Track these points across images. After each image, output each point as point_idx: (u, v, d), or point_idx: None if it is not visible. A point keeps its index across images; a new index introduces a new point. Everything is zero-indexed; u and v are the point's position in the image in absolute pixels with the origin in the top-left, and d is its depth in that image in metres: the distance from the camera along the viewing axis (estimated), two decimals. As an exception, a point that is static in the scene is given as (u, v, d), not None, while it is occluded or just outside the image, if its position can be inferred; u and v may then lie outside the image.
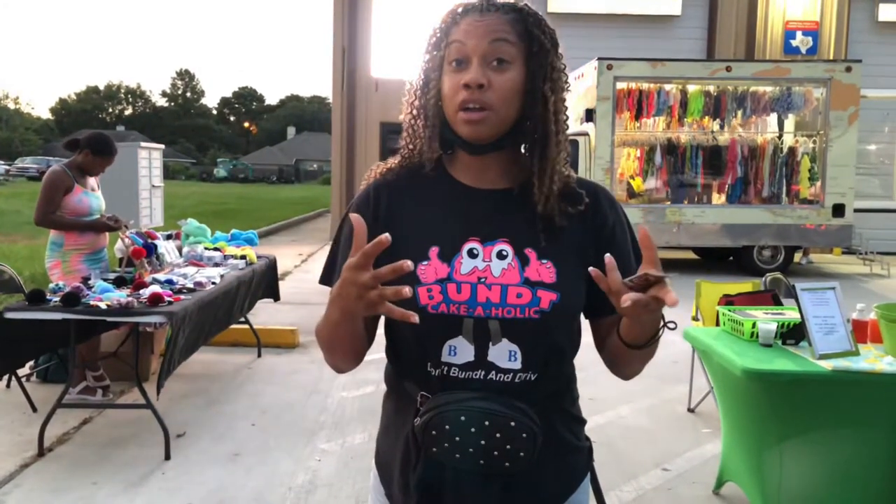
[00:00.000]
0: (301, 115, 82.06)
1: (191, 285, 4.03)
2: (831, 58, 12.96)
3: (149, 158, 11.11)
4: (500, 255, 1.14)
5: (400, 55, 13.40)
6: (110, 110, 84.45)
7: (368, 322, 1.18)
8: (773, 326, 2.85)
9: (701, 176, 10.31)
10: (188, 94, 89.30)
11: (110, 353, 4.52)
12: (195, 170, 59.17)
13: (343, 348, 1.16)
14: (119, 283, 3.99)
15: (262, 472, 3.46)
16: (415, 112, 1.20)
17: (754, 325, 2.89)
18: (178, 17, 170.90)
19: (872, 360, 2.60)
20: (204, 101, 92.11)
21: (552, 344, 1.14)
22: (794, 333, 2.85)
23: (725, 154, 10.23)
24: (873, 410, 2.61)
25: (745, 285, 4.33)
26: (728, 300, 3.68)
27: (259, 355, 5.52)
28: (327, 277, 1.24)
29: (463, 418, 1.07)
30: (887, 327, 2.65)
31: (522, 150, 1.19)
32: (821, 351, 2.60)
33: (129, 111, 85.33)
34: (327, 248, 9.35)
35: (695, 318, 4.37)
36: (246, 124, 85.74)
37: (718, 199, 10.37)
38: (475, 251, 1.14)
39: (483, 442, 1.07)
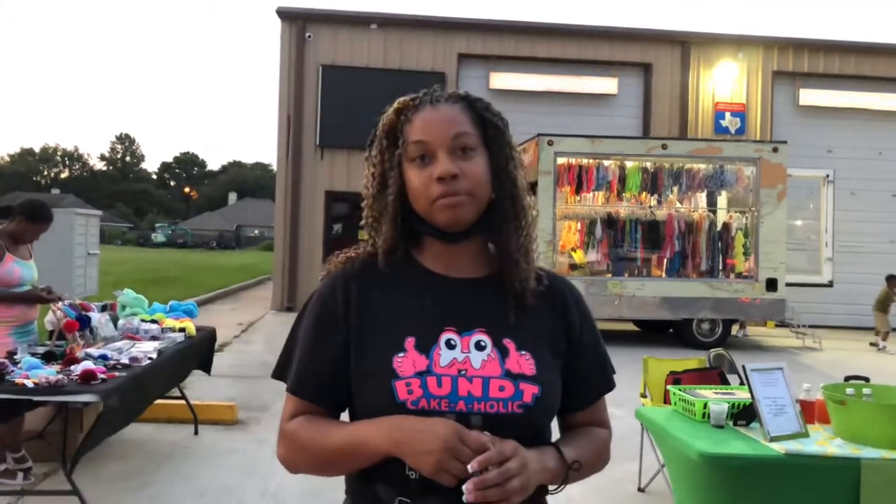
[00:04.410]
0: (243, 182, 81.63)
1: (126, 360, 3.84)
2: (758, 138, 13.71)
3: (85, 225, 10.78)
4: (479, 346, 1.11)
5: (345, 125, 13.55)
6: (45, 173, 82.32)
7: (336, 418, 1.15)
8: (725, 408, 2.87)
9: (640, 249, 10.60)
10: (127, 159, 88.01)
11: (35, 432, 4.24)
12: (132, 235, 57.77)
13: (346, 470, 1.13)
14: (48, 357, 3.78)
15: (197, 564, 3.24)
16: (377, 209, 1.18)
17: (706, 405, 2.91)
18: (118, 81, 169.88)
19: (823, 441, 2.64)
20: (144, 165, 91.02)
21: (534, 438, 1.11)
22: (744, 414, 2.87)
23: (663, 228, 10.58)
24: (824, 493, 2.62)
25: (690, 361, 4.39)
26: (676, 378, 3.72)
27: (196, 432, 5.25)
28: (281, 372, 1.19)
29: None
30: (834, 408, 2.70)
31: (490, 245, 1.20)
32: (772, 433, 2.62)
33: (65, 174, 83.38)
34: (268, 317, 9.10)
35: (643, 395, 4.39)
36: (186, 189, 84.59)
37: (658, 272, 10.65)
38: (453, 342, 1.11)
39: None
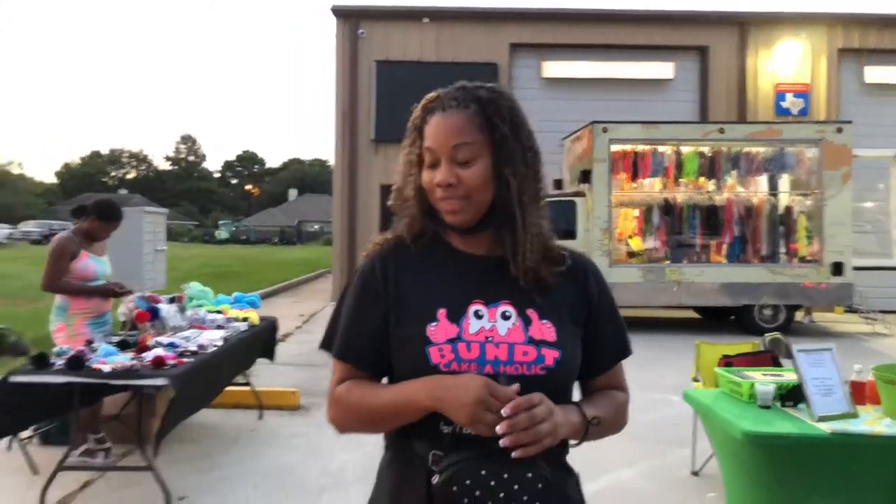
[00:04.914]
0: (302, 178, 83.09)
1: (193, 348, 4.07)
2: (823, 118, 13.25)
3: (153, 223, 11.27)
4: (504, 316, 1.23)
5: (399, 119, 13.71)
6: (113, 174, 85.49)
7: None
8: (771, 388, 2.88)
9: (699, 235, 10.43)
10: (190, 158, 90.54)
11: (113, 415, 4.52)
12: (197, 232, 59.55)
13: (391, 427, 1.24)
14: (122, 346, 4.03)
15: (262, 538, 3.43)
16: (404, 196, 1.32)
17: (752, 386, 2.92)
18: (179, 84, 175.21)
19: (871, 422, 2.62)
20: (206, 164, 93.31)
21: (556, 399, 1.19)
22: (792, 396, 2.87)
23: (722, 213, 10.37)
24: (872, 473, 2.61)
25: (744, 346, 4.36)
26: (727, 361, 3.71)
27: (261, 417, 5.50)
28: (328, 342, 1.32)
29: (483, 472, 1.10)
30: (885, 389, 2.68)
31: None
32: (819, 413, 2.62)
33: (131, 174, 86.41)
34: (329, 309, 9.32)
35: (695, 380, 4.39)
36: (248, 187, 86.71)
37: (717, 258, 10.46)
38: (480, 312, 1.23)
39: (502, 495, 1.10)
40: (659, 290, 9.91)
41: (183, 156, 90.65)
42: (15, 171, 71.98)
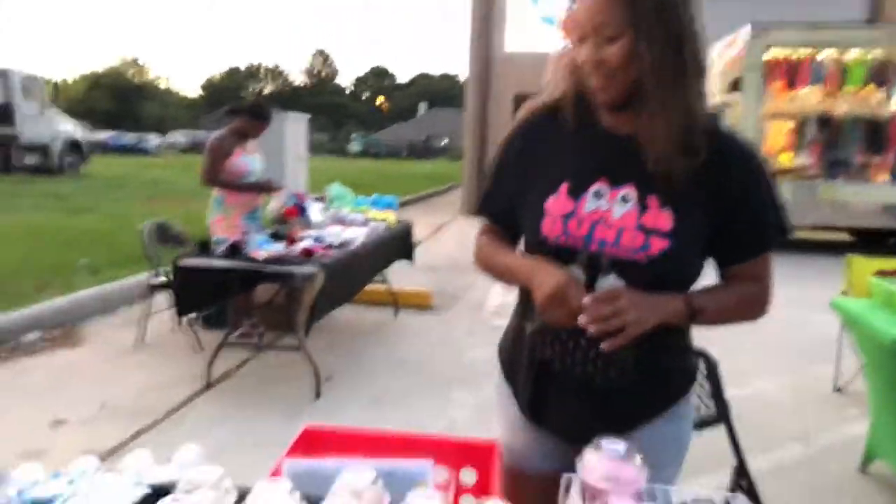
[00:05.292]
0: (432, 93, 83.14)
1: (338, 242, 4.30)
2: None
3: (296, 129, 11.73)
4: (624, 199, 1.23)
5: (533, 28, 13.31)
6: (251, 88, 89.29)
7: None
8: (936, 296, 2.67)
9: (859, 152, 9.56)
10: (323, 74, 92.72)
11: (265, 302, 4.90)
12: (331, 145, 61.56)
13: (508, 284, 1.40)
14: (273, 238, 4.32)
15: (402, 415, 3.68)
16: (559, 66, 1.31)
17: (912, 294, 2.72)
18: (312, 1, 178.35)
19: None
20: (338, 80, 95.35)
21: (656, 287, 1.20)
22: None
23: (888, 128, 9.42)
24: None
25: (904, 261, 4.04)
26: (882, 273, 3.47)
27: (396, 314, 5.79)
28: (484, 204, 1.43)
29: (563, 333, 1.22)
30: None
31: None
32: None
33: (268, 88, 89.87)
34: (458, 220, 9.54)
35: (844, 293, 4.14)
36: (378, 101, 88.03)
37: (880, 176, 9.57)
38: (601, 192, 1.24)
39: (579, 355, 1.23)
40: (810, 208, 9.25)
41: (316, 71, 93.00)
42: (162, 85, 76.99)
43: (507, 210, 1.37)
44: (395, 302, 5.85)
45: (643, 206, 1.21)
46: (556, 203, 1.25)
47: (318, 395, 3.89)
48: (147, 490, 1.10)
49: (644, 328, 1.16)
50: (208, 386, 3.99)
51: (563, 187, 1.26)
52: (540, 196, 1.28)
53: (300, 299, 5.11)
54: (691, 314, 1.22)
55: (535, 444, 1.38)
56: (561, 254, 1.23)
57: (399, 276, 6.82)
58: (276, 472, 1.15)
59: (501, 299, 6.52)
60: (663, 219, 1.20)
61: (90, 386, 4.03)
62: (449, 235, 11.10)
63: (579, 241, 1.22)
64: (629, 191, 1.22)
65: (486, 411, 3.72)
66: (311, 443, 1.31)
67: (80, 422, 3.53)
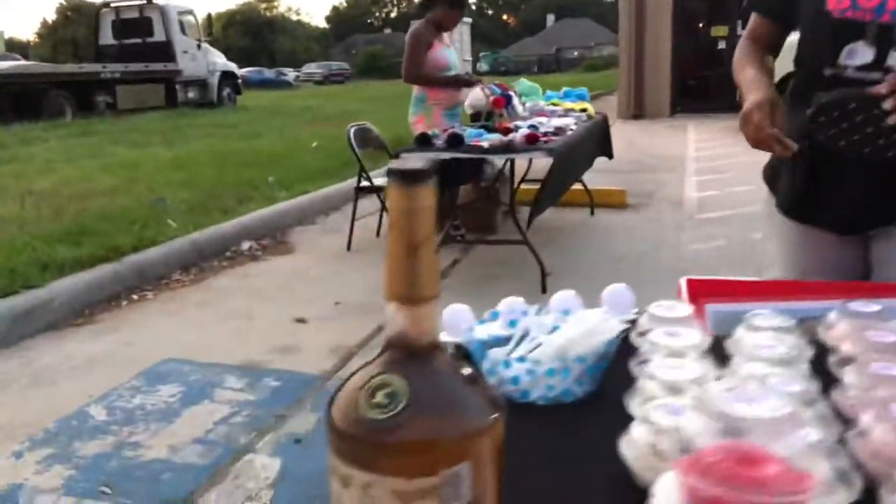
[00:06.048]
0: (560, 3, 79.62)
1: (552, 129, 4.05)
2: None
3: (459, 31, 11.51)
4: None
5: None
6: (377, 14, 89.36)
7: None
8: None
9: None
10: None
11: (466, 203, 4.79)
12: (460, 65, 60.87)
13: None
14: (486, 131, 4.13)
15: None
16: None
17: None
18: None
19: None
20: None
21: None
22: None
23: None
24: None
25: None
26: None
27: (592, 213, 5.53)
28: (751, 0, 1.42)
29: (852, 105, 1.11)
30: None
31: None
32: None
33: (394, 13, 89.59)
34: (617, 124, 8.92)
35: None
36: (504, 17, 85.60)
37: None
38: None
39: (869, 130, 1.11)
40: None
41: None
42: (293, 17, 78.60)
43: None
44: (591, 201, 5.57)
45: None
46: None
47: (543, 289, 3.73)
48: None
49: None
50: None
51: None
52: None
53: (497, 200, 4.96)
54: None
55: (806, 247, 1.39)
56: (845, 30, 1.15)
57: (590, 177, 6.54)
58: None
59: (698, 194, 6.09)
60: None
61: (317, 287, 4.10)
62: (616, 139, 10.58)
63: (868, 14, 1.13)
64: None
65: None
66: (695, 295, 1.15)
67: (320, 319, 3.58)
